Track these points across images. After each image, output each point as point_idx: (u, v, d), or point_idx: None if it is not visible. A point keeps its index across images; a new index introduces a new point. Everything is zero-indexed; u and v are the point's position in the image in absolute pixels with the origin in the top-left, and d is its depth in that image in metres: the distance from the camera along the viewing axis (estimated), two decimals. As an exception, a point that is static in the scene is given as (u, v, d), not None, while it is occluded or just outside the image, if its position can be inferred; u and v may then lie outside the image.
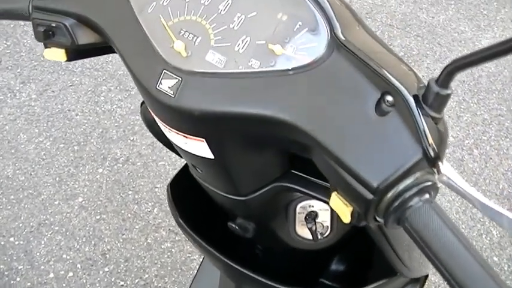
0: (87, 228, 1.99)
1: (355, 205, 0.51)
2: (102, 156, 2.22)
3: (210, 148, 0.60)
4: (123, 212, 2.04)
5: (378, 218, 0.50)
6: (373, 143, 0.49)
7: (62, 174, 2.16)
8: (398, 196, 0.48)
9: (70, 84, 2.54)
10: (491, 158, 2.28)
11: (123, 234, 1.97)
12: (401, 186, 0.48)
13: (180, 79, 0.56)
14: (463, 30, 3.00)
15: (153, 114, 0.62)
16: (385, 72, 0.49)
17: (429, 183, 0.49)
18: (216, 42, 0.57)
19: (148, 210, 2.03)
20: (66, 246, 1.93)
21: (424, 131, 0.48)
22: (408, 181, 0.48)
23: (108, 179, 2.14)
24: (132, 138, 2.30)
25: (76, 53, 0.71)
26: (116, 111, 2.42)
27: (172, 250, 1.93)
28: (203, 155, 0.61)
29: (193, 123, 0.58)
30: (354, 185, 0.49)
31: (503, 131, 2.41)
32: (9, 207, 2.05)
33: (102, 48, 0.70)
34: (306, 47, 0.54)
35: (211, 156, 0.61)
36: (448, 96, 0.48)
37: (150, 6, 0.61)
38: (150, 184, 2.11)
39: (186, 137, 0.60)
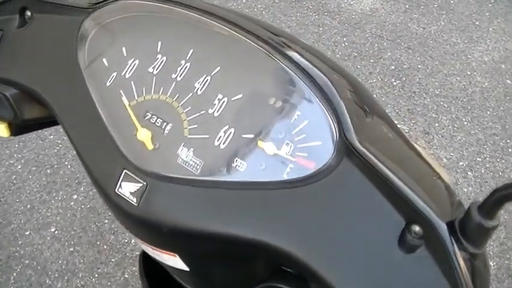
0: (60, 262, 1.85)
1: None
2: (76, 181, 2.08)
3: (184, 262, 0.48)
4: (98, 243, 1.90)
5: None
6: None
7: (34, 201, 2.02)
8: None
9: (44, 101, 2.39)
10: (486, 182, 2.18)
11: (98, 268, 1.84)
12: None
13: (145, 184, 0.43)
14: (455, 42, 2.90)
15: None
16: (411, 193, 0.37)
17: None
18: (191, 133, 0.44)
19: (126, 241, 1.90)
20: (37, 282, 1.80)
21: (461, 274, 0.36)
22: None
23: (83, 206, 2.01)
24: (109, 161, 2.16)
25: (21, 127, 0.59)
26: (92, 130, 2.28)
27: (151, 286, 1.80)
28: (176, 267, 0.49)
29: (162, 238, 0.45)
30: None
31: (498, 151, 2.31)
32: (-24, 238, 1.91)
33: (54, 121, 0.58)
34: (306, 146, 0.42)
35: (186, 269, 0.49)
36: (493, 228, 0.36)
37: (109, 78, 0.49)
38: (128, 212, 1.98)
39: (155, 250, 0.48)
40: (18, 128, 0.59)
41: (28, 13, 0.55)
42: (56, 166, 2.14)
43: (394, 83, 2.61)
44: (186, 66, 0.47)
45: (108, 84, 0.49)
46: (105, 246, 1.89)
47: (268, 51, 0.45)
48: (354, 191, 0.39)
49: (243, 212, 0.41)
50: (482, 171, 2.23)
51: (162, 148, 0.45)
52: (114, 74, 0.49)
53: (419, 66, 2.74)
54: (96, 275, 1.82)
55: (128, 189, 0.44)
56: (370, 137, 0.41)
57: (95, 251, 1.88)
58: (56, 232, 1.94)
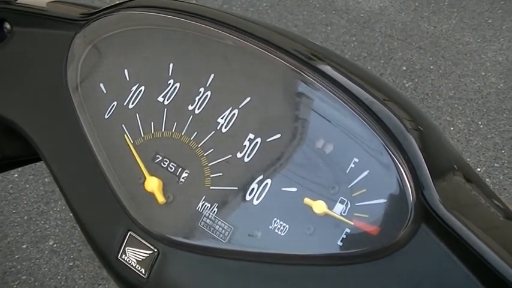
0: (59, 278, 1.76)
1: None
2: (76, 191, 1.99)
3: None
4: (99, 257, 1.81)
5: None
6: None
7: (31, 212, 1.93)
8: None
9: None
10: (505, 189, 2.08)
11: (99, 285, 1.75)
12: None
13: (156, 252, 0.34)
14: (467, 42, 2.80)
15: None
16: None
17: None
18: (214, 184, 0.34)
19: (128, 255, 1.81)
20: (35, 300, 1.71)
21: None
22: None
23: (82, 217, 1.91)
24: (110, 169, 2.07)
25: (1, 166, 0.49)
26: (92, 136, 2.19)
27: (155, 303, 1.71)
28: None
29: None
30: None
31: (517, 156, 2.22)
32: (-30, 252, 1.82)
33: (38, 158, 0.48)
34: (367, 205, 0.32)
35: None
36: None
37: (108, 109, 0.39)
38: (130, 223, 1.88)
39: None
40: (-4, 166, 0.49)
41: (7, 26, 0.45)
42: (54, 175, 2.05)
43: (406, 85, 2.51)
44: (206, 96, 0.37)
45: (106, 116, 0.39)
46: (106, 261, 1.80)
47: (313, 77, 0.35)
48: (438, 272, 0.29)
49: None
50: (501, 177, 2.13)
51: (177, 202, 0.35)
52: (114, 103, 0.39)
53: (431, 66, 2.64)
54: (97, 292, 1.74)
55: (133, 256, 0.34)
56: (456, 197, 0.31)
57: (95, 266, 1.79)
58: (55, 245, 1.84)
